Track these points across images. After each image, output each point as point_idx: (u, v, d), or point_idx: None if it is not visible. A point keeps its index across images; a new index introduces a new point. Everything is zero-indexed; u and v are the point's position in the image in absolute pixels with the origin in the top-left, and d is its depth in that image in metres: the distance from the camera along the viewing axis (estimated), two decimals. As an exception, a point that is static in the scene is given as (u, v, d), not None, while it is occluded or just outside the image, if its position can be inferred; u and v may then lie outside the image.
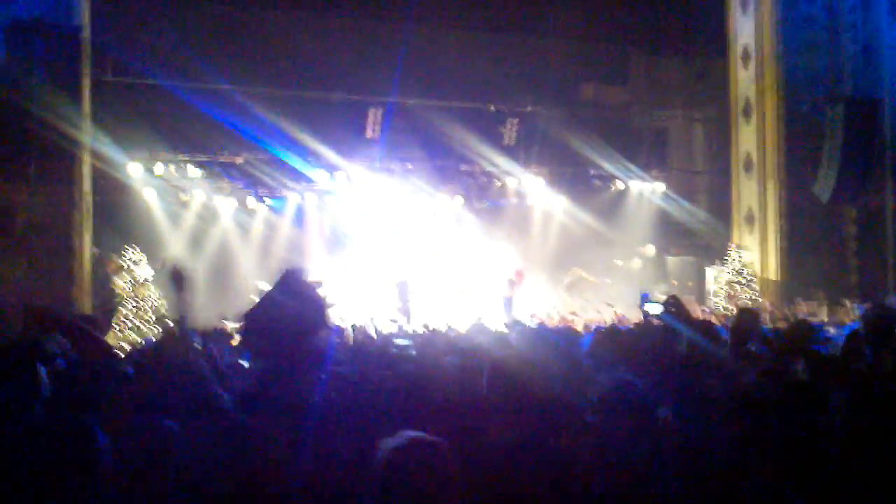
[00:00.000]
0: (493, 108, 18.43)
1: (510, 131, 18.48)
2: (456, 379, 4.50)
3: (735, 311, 6.44)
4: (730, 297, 15.82)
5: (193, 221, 17.10)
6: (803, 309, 11.91)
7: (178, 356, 3.36)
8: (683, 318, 5.98)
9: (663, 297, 5.74)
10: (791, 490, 3.73)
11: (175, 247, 16.33)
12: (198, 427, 3.27)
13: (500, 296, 16.03)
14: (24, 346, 3.48)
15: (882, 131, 15.52)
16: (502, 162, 18.51)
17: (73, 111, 12.94)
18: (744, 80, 17.14)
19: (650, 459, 3.89)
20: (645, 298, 6.40)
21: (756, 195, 16.71)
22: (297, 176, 17.23)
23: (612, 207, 19.65)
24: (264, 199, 17.75)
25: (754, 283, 16.18)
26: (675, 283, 16.91)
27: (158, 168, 16.26)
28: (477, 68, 17.73)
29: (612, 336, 5.68)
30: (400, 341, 5.79)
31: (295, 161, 16.79)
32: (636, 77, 21.01)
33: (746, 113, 17.04)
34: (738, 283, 16.15)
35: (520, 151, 18.75)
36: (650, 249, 19.36)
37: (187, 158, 16.50)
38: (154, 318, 14.18)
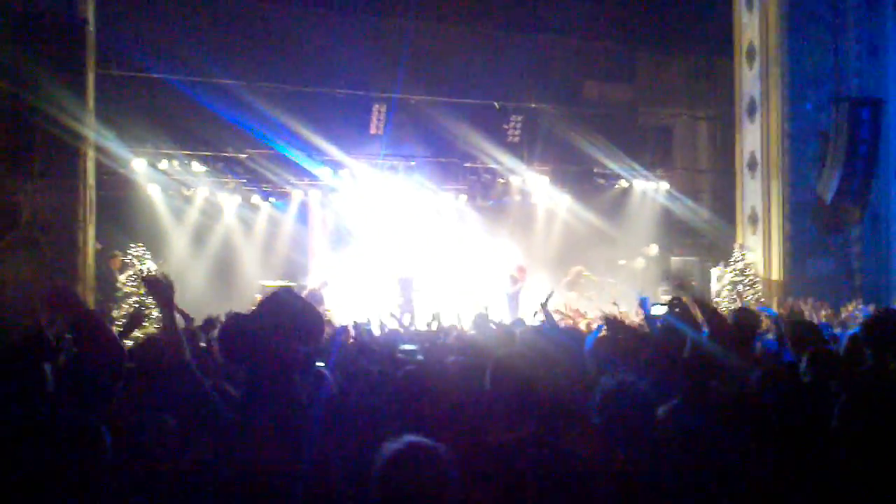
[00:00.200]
0: (497, 105, 18.41)
1: (514, 129, 18.47)
2: (459, 378, 4.50)
3: (734, 312, 6.42)
4: (736, 297, 15.78)
5: (197, 217, 17.13)
6: (807, 310, 11.87)
7: (172, 356, 3.36)
8: (687, 320, 5.98)
9: (667, 298, 5.73)
10: (793, 489, 3.73)
11: (178, 243, 16.36)
12: (195, 425, 3.28)
13: (502, 292, 16.03)
14: (28, 343, 3.47)
15: (886, 131, 15.49)
16: (506, 159, 18.49)
17: (77, 106, 12.94)
18: (748, 78, 17.09)
19: (653, 460, 3.89)
20: (643, 301, 6.39)
21: (760, 195, 16.68)
22: (301, 172, 17.23)
23: (615, 206, 19.62)
24: (268, 195, 17.77)
25: (758, 283, 16.15)
26: (696, 282, 16.77)
27: (162, 163, 16.28)
28: (481, 65, 17.71)
29: (614, 336, 5.67)
30: (407, 346, 5.78)
31: (298, 157, 16.80)
32: (641, 75, 20.98)
33: (751, 112, 17.00)
34: (742, 283, 16.12)
35: (524, 149, 18.75)
36: (653, 249, 19.34)
37: (191, 154, 16.52)
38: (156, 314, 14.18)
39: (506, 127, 18.39)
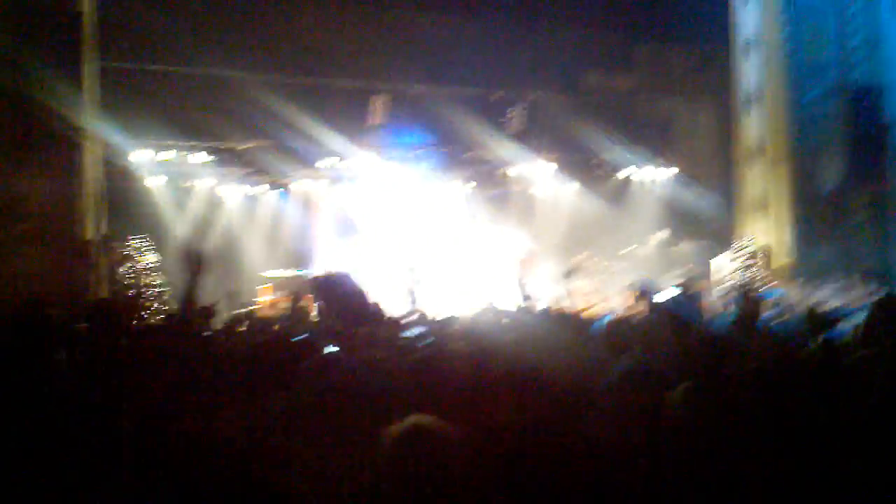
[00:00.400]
0: (498, 94, 18.37)
1: (515, 118, 18.45)
2: (467, 363, 4.50)
3: (737, 298, 6.45)
4: (740, 284, 15.77)
5: (199, 209, 17.12)
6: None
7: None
8: (697, 304, 6.00)
9: (678, 282, 5.75)
10: (803, 469, 3.73)
11: (181, 234, 16.35)
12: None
13: (512, 278, 16.01)
14: (37, 331, 3.47)
15: (888, 117, 15.46)
16: (508, 149, 18.47)
17: (78, 97, 12.92)
18: (749, 67, 17.05)
19: (663, 441, 3.89)
20: (645, 285, 6.40)
21: (764, 182, 16.66)
22: (304, 162, 17.21)
23: (618, 195, 19.62)
24: (271, 186, 17.77)
25: (764, 269, 16.14)
26: (691, 266, 16.81)
27: (164, 155, 16.25)
28: (481, 54, 17.66)
29: (625, 321, 5.67)
30: (412, 332, 5.76)
31: (301, 148, 16.78)
32: (641, 64, 20.90)
33: (753, 100, 16.97)
34: (748, 269, 16.11)
35: (525, 138, 18.72)
36: (661, 235, 19.32)
37: (193, 145, 16.49)
38: (157, 305, 14.18)
39: (507, 116, 18.38)
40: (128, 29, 14.78)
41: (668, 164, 19.97)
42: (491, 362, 4.41)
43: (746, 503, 3.63)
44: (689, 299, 6.18)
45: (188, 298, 3.55)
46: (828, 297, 10.90)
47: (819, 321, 5.66)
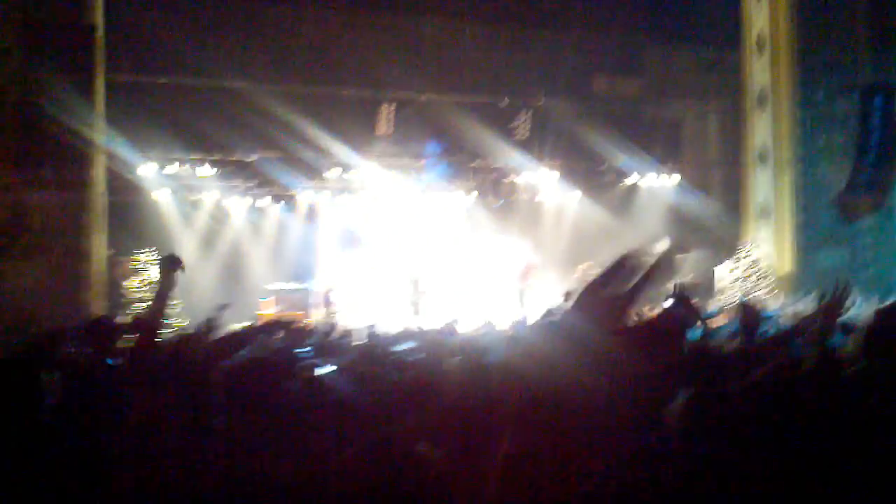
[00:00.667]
0: (505, 101, 18.34)
1: (523, 125, 18.40)
2: (462, 380, 4.46)
3: (739, 307, 6.38)
4: (743, 291, 15.68)
5: (206, 221, 17.15)
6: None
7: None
8: (694, 311, 5.93)
9: (671, 290, 5.68)
10: (803, 483, 3.67)
11: (187, 247, 16.38)
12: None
13: (513, 289, 15.99)
14: (28, 354, 3.46)
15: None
16: (515, 156, 18.42)
17: (87, 110, 12.98)
18: (758, 69, 16.98)
19: (661, 454, 3.84)
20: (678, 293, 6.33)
21: (770, 187, 16.57)
22: (310, 173, 17.20)
23: (625, 201, 19.55)
24: (277, 198, 17.77)
25: (768, 276, 16.02)
26: (691, 276, 16.74)
27: (171, 168, 16.29)
28: (488, 61, 17.66)
29: (622, 334, 5.61)
30: (400, 347, 5.71)
31: (307, 159, 16.77)
32: (649, 68, 20.84)
33: (761, 103, 16.89)
34: (752, 276, 15.99)
35: (532, 145, 18.66)
36: (664, 244, 19.21)
37: (200, 158, 16.50)
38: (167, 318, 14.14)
39: (514, 123, 18.33)
40: (134, 42, 14.83)
41: (675, 170, 19.88)
42: (487, 378, 4.37)
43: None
44: (689, 310, 6.14)
45: (158, 305, 3.53)
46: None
47: (818, 331, 5.58)
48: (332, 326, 7.80)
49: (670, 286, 5.90)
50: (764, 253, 16.30)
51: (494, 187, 19.08)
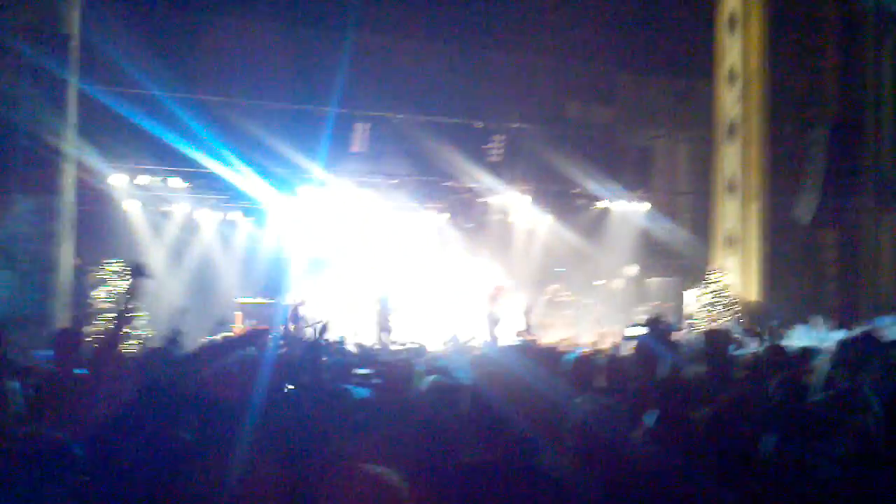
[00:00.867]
0: (479, 124, 18.45)
1: (496, 148, 18.52)
2: (431, 398, 4.46)
3: (706, 333, 6.46)
4: (709, 319, 15.83)
5: (176, 233, 17.05)
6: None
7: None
8: (664, 340, 6.00)
9: (644, 318, 5.76)
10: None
11: (156, 258, 16.25)
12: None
13: (482, 312, 16.01)
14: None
15: (864, 155, 15.61)
16: (487, 179, 18.52)
17: (58, 121, 12.85)
18: (729, 100, 17.21)
19: (628, 481, 3.87)
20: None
21: (738, 217, 16.77)
22: (282, 189, 17.16)
23: (595, 226, 19.71)
24: (247, 212, 17.70)
25: (734, 304, 16.17)
26: (659, 303, 16.92)
27: (141, 179, 16.19)
28: (463, 84, 17.77)
29: (592, 358, 5.66)
30: (360, 371, 5.71)
31: (280, 174, 16.73)
32: (622, 96, 21.09)
33: (731, 134, 17.11)
34: (718, 304, 16.14)
35: (505, 168, 18.77)
36: (632, 270, 19.41)
37: (171, 170, 16.41)
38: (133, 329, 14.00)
39: (487, 146, 18.44)
40: (106, 52, 14.73)
41: (645, 197, 20.09)
42: (456, 396, 4.38)
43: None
44: (657, 335, 6.20)
45: (123, 313, 3.51)
46: (792, 336, 10.97)
47: (783, 361, 5.67)
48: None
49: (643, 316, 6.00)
50: (731, 281, 16.46)
51: (467, 208, 19.15)
